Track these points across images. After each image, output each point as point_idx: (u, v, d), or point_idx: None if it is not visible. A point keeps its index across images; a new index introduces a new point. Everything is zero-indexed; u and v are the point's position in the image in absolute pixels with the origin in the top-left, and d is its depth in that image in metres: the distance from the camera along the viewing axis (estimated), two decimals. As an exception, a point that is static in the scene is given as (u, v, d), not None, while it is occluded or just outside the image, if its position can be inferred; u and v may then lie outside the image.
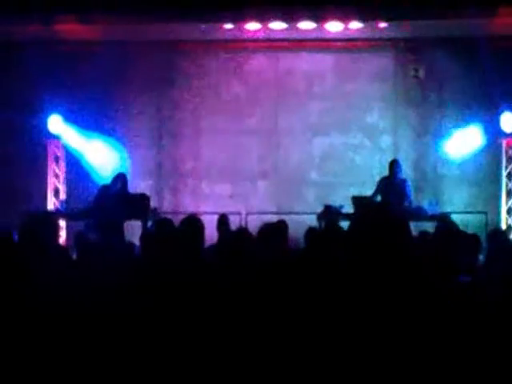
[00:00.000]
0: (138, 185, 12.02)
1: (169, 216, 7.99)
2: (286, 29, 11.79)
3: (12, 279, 4.41)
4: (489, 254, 5.49)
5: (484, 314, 3.72)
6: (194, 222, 4.86)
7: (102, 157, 12.76)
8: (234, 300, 4.13)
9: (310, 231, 4.93)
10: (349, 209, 10.84)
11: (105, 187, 11.13)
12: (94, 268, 5.42)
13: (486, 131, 12.35)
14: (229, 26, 11.71)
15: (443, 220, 10.14)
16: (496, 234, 5.18)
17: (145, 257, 5.53)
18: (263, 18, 11.44)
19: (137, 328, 4.05)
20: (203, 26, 11.71)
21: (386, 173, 11.38)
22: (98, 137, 12.78)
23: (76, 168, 12.84)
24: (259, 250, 4.78)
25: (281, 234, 4.95)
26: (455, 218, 10.59)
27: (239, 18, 11.42)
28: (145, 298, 4.26)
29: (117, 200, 10.80)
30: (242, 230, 5.36)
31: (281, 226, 5.05)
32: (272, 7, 11.07)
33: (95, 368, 3.95)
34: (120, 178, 11.12)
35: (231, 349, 3.88)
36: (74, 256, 6.51)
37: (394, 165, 11.25)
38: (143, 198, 11.02)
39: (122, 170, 11.68)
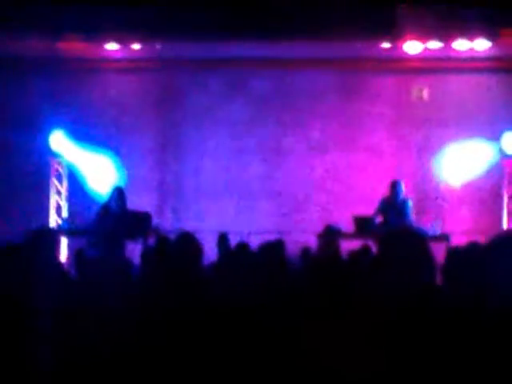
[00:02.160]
0: (140, 202, 12.02)
1: (170, 234, 7.98)
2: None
3: (11, 294, 4.42)
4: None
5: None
6: (188, 240, 4.87)
7: (104, 174, 12.78)
8: (233, 317, 4.13)
9: (305, 251, 4.94)
10: (349, 228, 10.94)
11: (106, 205, 11.14)
12: (93, 286, 5.42)
13: (489, 152, 12.38)
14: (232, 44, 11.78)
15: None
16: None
17: (145, 274, 5.54)
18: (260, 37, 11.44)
19: (137, 346, 4.05)
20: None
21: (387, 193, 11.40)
22: (100, 154, 12.81)
23: (78, 185, 12.86)
24: (257, 268, 4.80)
25: (278, 252, 4.96)
26: (456, 239, 10.57)
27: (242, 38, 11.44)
28: (145, 317, 4.26)
29: (118, 218, 10.80)
30: (243, 245, 5.38)
31: (278, 244, 5.06)
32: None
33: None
34: (116, 193, 11.11)
35: (230, 367, 3.88)
36: (74, 273, 6.52)
37: (394, 185, 11.28)
38: (145, 217, 11.02)
39: (119, 185, 11.67)
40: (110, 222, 10.77)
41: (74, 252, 7.62)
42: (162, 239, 5.99)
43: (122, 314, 4.29)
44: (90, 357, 3.97)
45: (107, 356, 3.97)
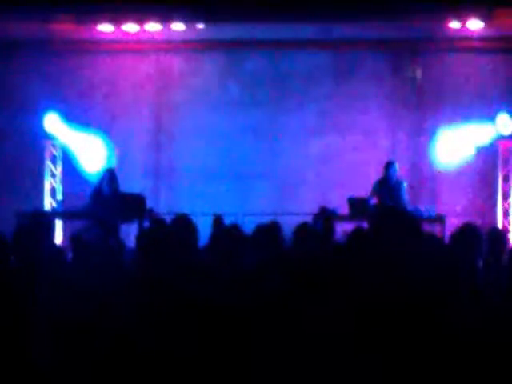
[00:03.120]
0: (135, 185, 12.02)
1: (166, 217, 7.99)
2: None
3: (5, 279, 4.43)
4: None
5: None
6: (184, 222, 4.88)
7: (99, 157, 12.77)
8: (227, 300, 4.14)
9: (299, 233, 4.96)
10: (344, 210, 10.97)
11: (98, 187, 11.14)
12: (89, 269, 5.43)
13: (483, 133, 12.39)
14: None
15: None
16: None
17: (140, 257, 5.54)
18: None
19: (131, 329, 4.07)
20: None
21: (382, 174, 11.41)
22: (94, 137, 12.80)
23: (73, 168, 12.86)
24: (252, 250, 4.80)
25: (273, 234, 4.97)
26: (452, 220, 10.61)
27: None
28: (140, 299, 4.27)
29: (110, 200, 10.80)
30: (234, 227, 5.37)
31: (273, 226, 5.07)
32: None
33: (95, 371, 3.97)
34: (107, 175, 11.11)
35: (224, 353, 3.89)
36: (70, 256, 6.52)
37: (389, 166, 11.30)
38: (139, 199, 11.02)
39: (110, 166, 11.69)
40: (103, 204, 10.76)
41: (70, 235, 7.63)
42: (158, 221, 5.99)
43: (118, 296, 4.30)
44: (86, 339, 3.98)
45: (104, 338, 3.98)
